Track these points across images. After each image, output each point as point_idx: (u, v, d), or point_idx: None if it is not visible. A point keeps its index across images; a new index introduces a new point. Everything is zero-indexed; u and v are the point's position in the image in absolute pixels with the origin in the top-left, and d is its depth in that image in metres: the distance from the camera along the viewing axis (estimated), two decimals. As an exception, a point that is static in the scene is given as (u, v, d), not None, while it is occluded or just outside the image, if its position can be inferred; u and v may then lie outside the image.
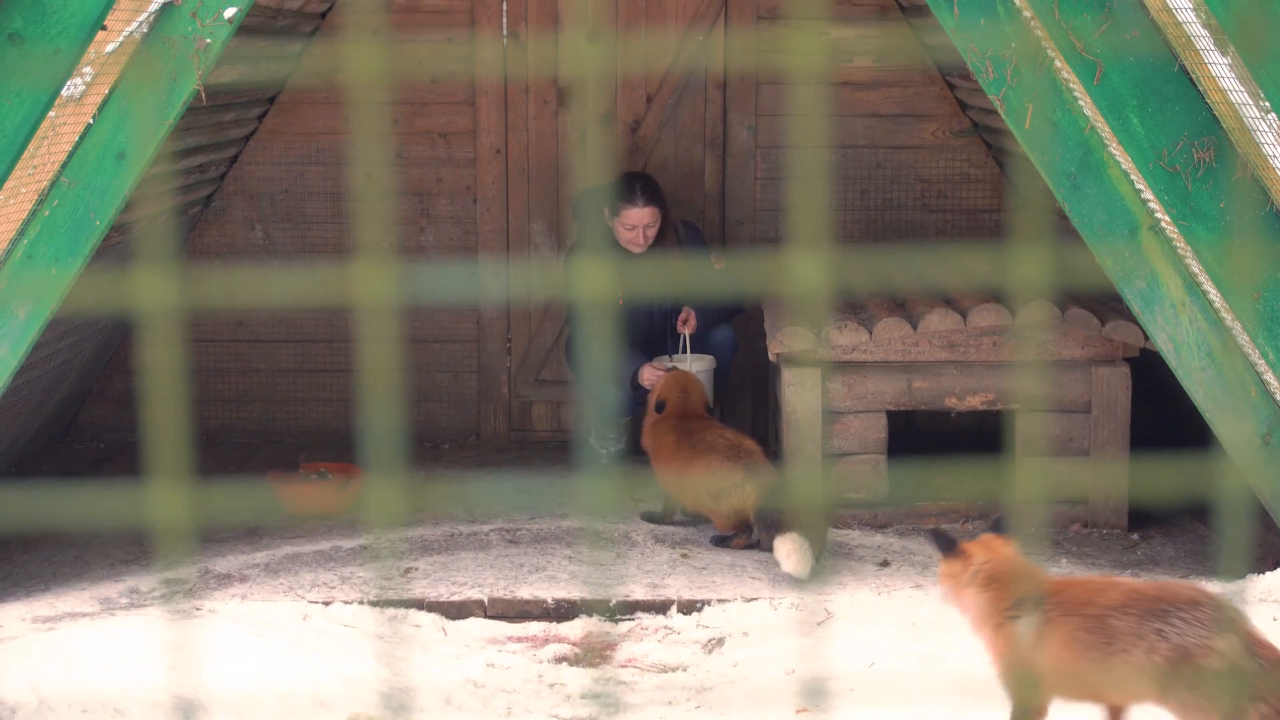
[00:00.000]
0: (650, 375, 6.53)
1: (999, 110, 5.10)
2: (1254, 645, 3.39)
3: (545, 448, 7.40)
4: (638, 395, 6.60)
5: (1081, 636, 3.52)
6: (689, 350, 6.71)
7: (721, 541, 5.77)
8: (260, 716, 4.30)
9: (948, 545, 3.77)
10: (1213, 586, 5.12)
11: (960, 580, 3.73)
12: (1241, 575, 5.05)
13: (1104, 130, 5.01)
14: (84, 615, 5.12)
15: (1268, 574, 5.08)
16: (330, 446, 6.99)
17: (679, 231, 6.83)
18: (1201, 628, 3.39)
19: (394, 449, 1.91)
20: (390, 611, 5.19)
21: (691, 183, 7.42)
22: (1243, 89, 4.74)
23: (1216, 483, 5.07)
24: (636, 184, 6.74)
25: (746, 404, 7.51)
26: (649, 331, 6.87)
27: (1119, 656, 3.46)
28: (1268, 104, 4.55)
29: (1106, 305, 6.05)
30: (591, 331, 6.80)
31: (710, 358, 6.72)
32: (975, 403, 6.01)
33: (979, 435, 6.79)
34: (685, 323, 6.73)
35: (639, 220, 6.69)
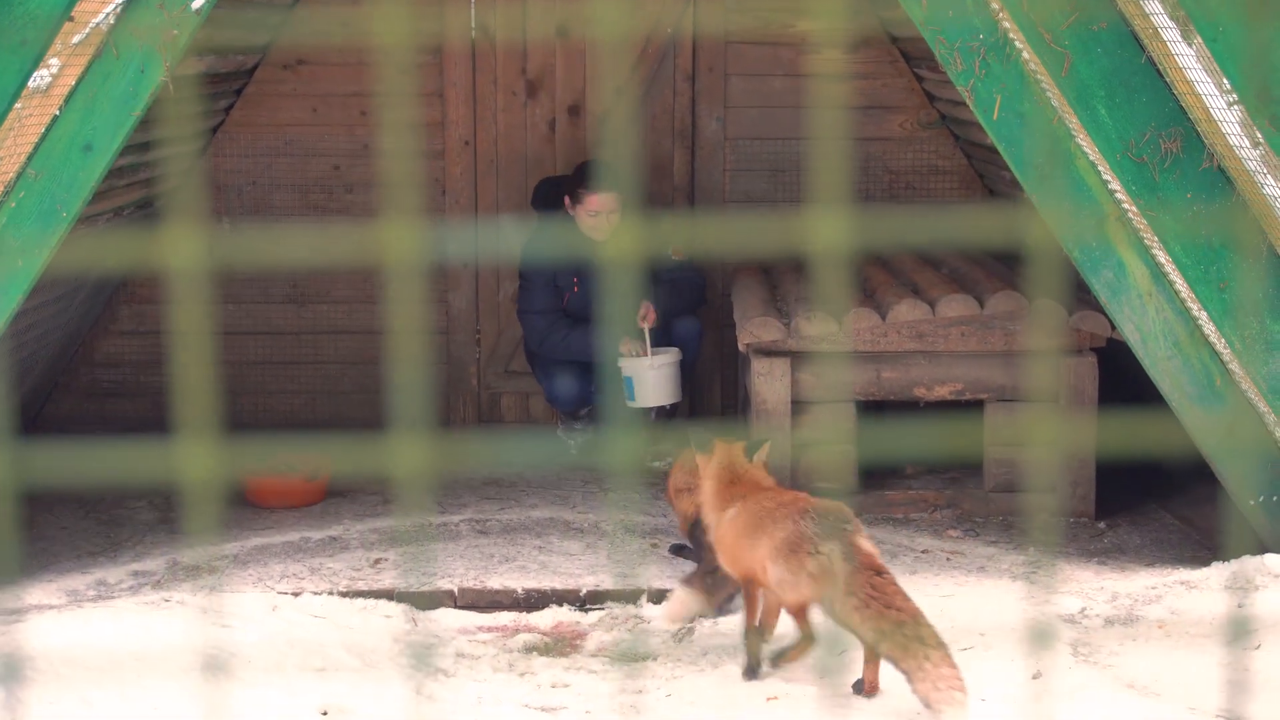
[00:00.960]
0: (625, 346, 6.58)
1: (967, 102, 5.12)
2: (854, 550, 4.18)
3: (515, 438, 7.39)
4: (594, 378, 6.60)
5: (744, 524, 4.44)
6: (650, 345, 6.67)
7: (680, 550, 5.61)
8: (231, 707, 4.29)
9: (704, 444, 4.69)
10: (1183, 574, 5.17)
11: (703, 473, 4.68)
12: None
13: (1071, 121, 5.04)
14: (51, 608, 5.10)
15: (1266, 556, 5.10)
16: (299, 439, 6.97)
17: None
18: (817, 530, 4.24)
19: (421, 405, 1.91)
20: (360, 602, 5.18)
21: (660, 174, 7.42)
22: (1209, 79, 4.77)
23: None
24: (600, 170, 6.77)
25: (715, 394, 7.52)
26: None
27: (758, 541, 4.37)
28: (1233, 94, 4.59)
29: (1074, 295, 6.07)
30: (546, 320, 6.81)
31: (675, 350, 6.70)
32: (944, 393, 6.03)
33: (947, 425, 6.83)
34: (645, 318, 6.69)
35: (602, 206, 6.69)
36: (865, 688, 4.29)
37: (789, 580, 4.26)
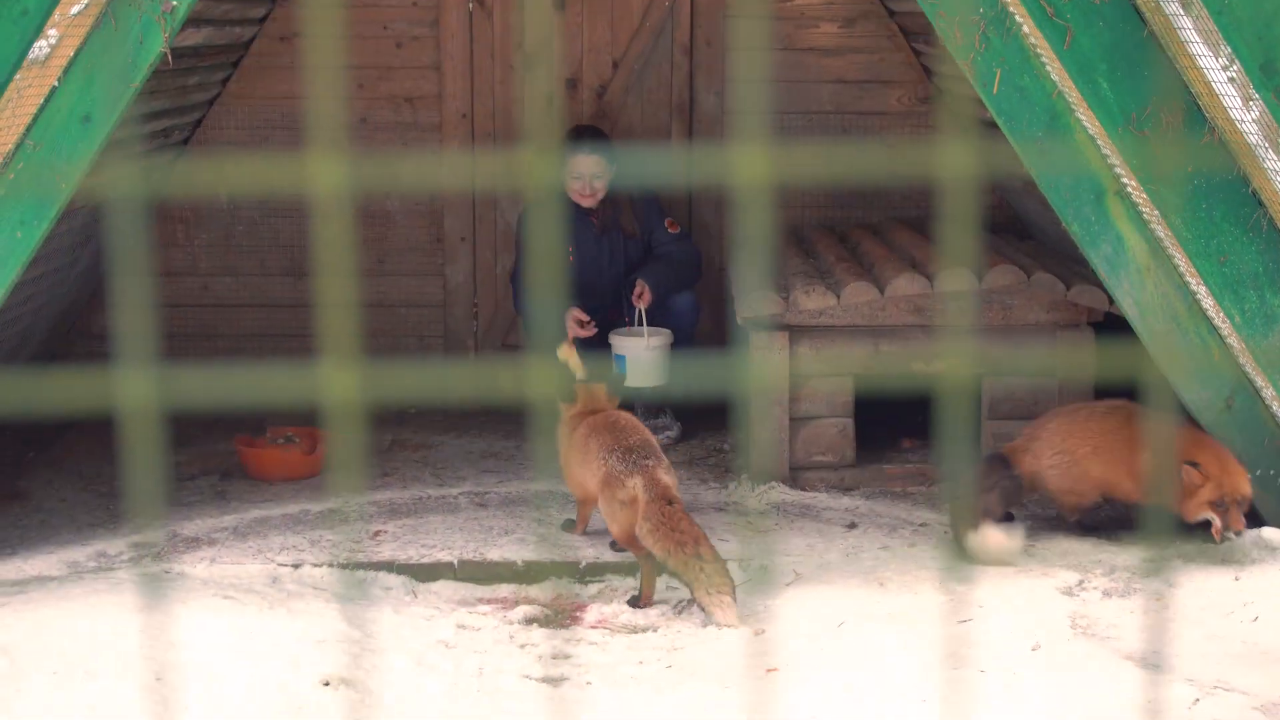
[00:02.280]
0: (572, 323, 6.52)
1: (967, 76, 5.11)
2: (651, 484, 4.90)
3: (513, 412, 7.38)
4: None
5: (579, 443, 5.21)
6: (645, 324, 6.58)
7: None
8: (232, 678, 4.30)
9: (568, 396, 5.38)
10: (1180, 548, 5.18)
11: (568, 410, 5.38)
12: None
13: (1072, 95, 5.03)
14: (52, 579, 5.10)
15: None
16: (295, 410, 6.95)
17: (633, 195, 6.81)
18: (627, 465, 4.98)
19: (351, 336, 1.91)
20: (360, 574, 5.18)
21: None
22: (1209, 52, 4.77)
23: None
24: (584, 133, 6.75)
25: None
26: (600, 289, 6.85)
27: (589, 461, 5.13)
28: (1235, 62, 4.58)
29: (1071, 269, 6.08)
30: (539, 288, 6.79)
31: (667, 332, 6.59)
32: (942, 367, 6.03)
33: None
34: (640, 296, 6.62)
35: (585, 169, 6.67)
36: (641, 601, 4.99)
37: (608, 512, 5.02)
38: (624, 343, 6.52)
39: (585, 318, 6.56)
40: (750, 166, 2.01)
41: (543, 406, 5.54)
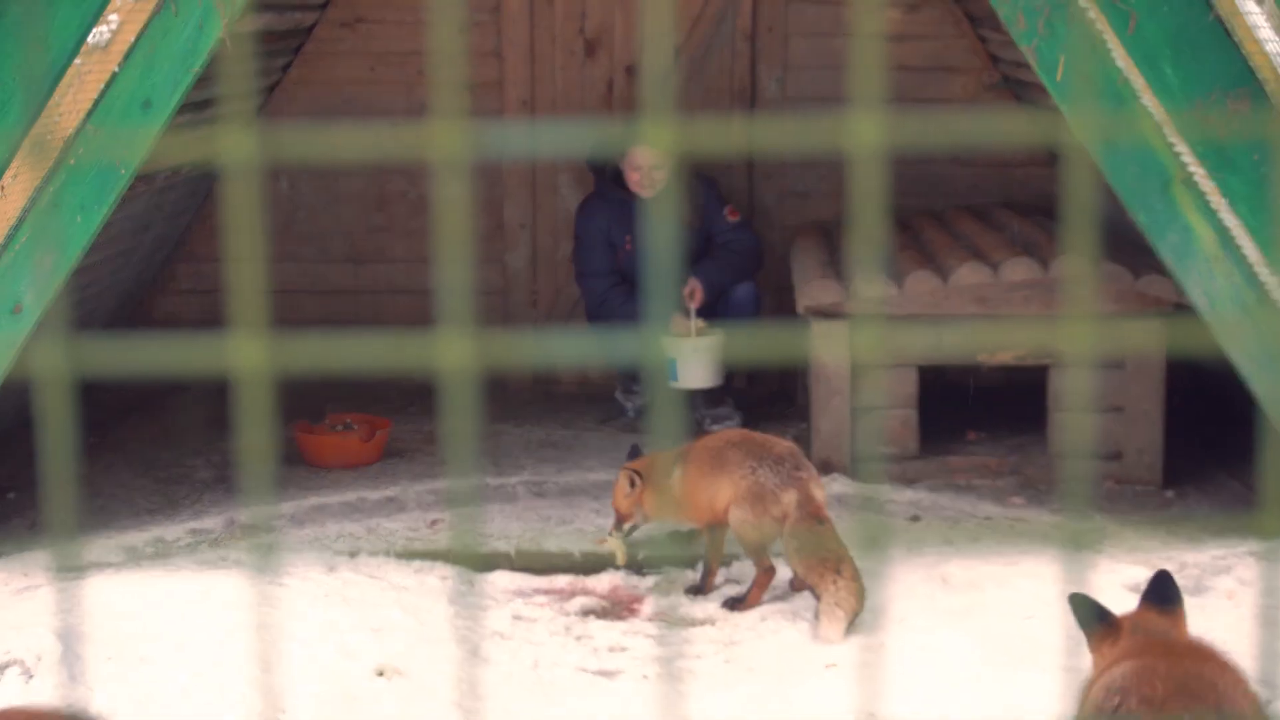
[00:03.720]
0: (677, 324, 6.45)
1: (1030, 63, 5.00)
2: (806, 500, 4.68)
3: (572, 400, 7.33)
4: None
5: (703, 459, 4.90)
6: (693, 323, 6.42)
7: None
8: (286, 667, 4.26)
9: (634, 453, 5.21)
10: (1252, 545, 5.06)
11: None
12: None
13: (1137, 82, 4.91)
14: (109, 565, 5.09)
15: None
16: (356, 397, 6.93)
17: (691, 183, 6.73)
18: (780, 477, 4.73)
19: (466, 302, 1.85)
20: (417, 563, 5.14)
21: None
22: (1277, 39, 4.65)
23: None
24: (643, 125, 6.67)
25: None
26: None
27: (724, 474, 4.81)
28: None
29: (1140, 259, 5.95)
30: (602, 284, 6.74)
31: (720, 332, 6.42)
32: (1006, 358, 5.93)
33: (1009, 391, 6.72)
34: (691, 296, 6.50)
35: (644, 160, 6.60)
36: (705, 588, 4.95)
37: (749, 522, 4.77)
38: (673, 344, 6.41)
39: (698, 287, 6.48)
40: (866, 132, 1.92)
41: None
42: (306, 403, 6.59)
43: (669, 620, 4.82)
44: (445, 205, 1.93)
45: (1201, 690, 3.13)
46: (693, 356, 6.38)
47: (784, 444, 4.89)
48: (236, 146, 1.85)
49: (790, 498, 4.69)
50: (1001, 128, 7.25)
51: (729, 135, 7.22)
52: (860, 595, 4.57)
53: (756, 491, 4.73)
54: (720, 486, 4.80)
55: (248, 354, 1.77)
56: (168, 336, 7.20)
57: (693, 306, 6.50)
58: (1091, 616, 3.34)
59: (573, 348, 6.46)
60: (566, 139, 7.13)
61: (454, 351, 1.92)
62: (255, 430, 1.84)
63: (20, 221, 4.98)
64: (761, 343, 6.14)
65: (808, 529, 4.64)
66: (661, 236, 6.53)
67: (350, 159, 7.35)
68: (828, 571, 4.57)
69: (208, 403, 6.28)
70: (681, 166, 6.61)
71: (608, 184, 6.78)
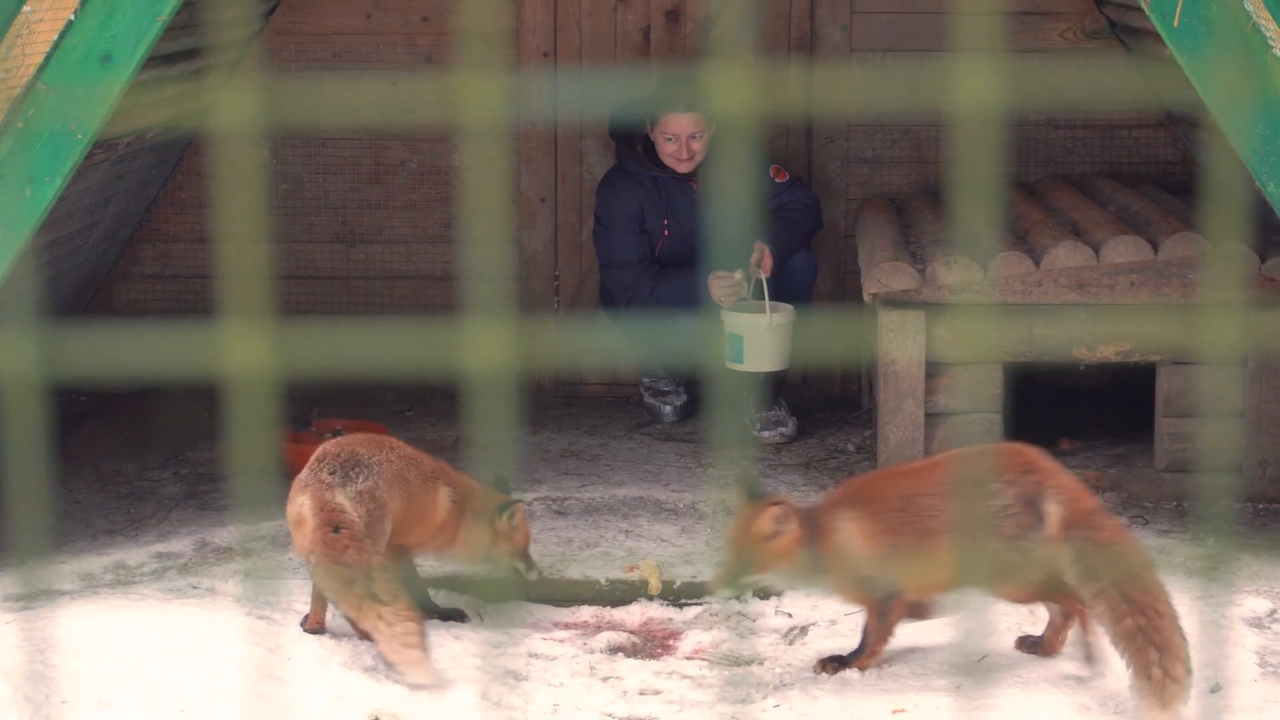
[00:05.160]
0: (719, 287, 6.48)
1: (1142, 5, 5.05)
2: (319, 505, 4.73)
3: (598, 404, 7.42)
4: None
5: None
6: (768, 297, 6.51)
7: None
8: (269, 713, 4.35)
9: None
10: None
11: None
12: None
13: (1269, 28, 4.95)
14: (63, 594, 5.19)
15: None
16: (346, 400, 7.03)
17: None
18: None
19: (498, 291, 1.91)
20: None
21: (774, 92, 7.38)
22: None
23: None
24: (679, 86, 6.72)
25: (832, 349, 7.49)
26: (700, 267, 6.85)
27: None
28: None
29: (1267, 238, 6.00)
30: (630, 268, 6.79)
31: (789, 307, 6.55)
32: (1108, 353, 5.98)
33: (1112, 392, 6.77)
34: (760, 264, 6.58)
35: (680, 129, 6.68)
36: (309, 624, 4.84)
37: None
38: (740, 320, 6.46)
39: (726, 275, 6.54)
40: (976, 87, 1.97)
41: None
42: (289, 406, 6.68)
43: (709, 658, 4.90)
44: (474, 176, 2.00)
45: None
46: (765, 334, 6.42)
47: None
48: (232, 106, 1.94)
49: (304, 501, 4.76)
50: (1107, 82, 7.29)
51: (785, 90, 7.29)
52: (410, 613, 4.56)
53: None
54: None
55: (244, 350, 1.84)
56: (135, 328, 7.31)
57: (764, 277, 6.53)
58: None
59: (611, 341, 6.54)
60: (595, 97, 7.21)
61: (485, 346, 1.97)
62: (250, 438, 1.92)
63: (-41, 196, 5.07)
64: (820, 331, 6.19)
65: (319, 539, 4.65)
66: (720, 212, 6.61)
67: (366, 121, 7.43)
68: (361, 600, 4.55)
69: (176, 406, 6.39)
70: (729, 133, 6.67)
71: (636, 158, 6.83)
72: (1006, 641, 4.69)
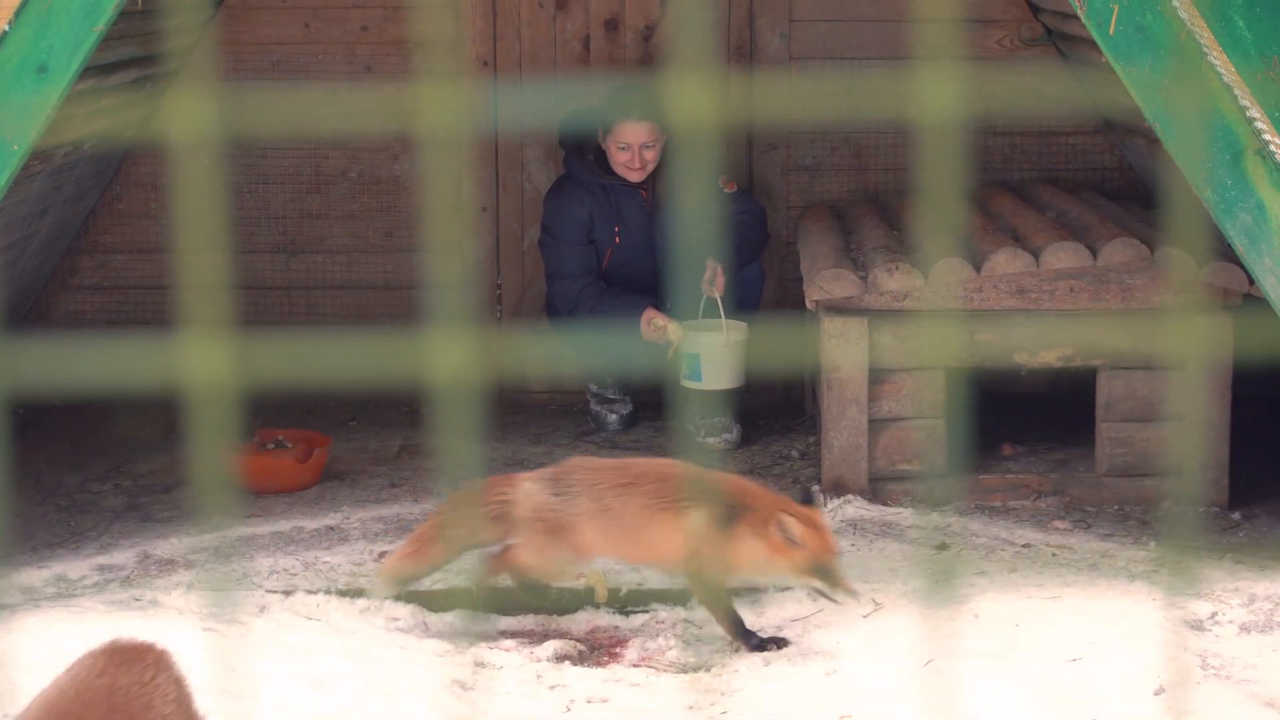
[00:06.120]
0: (649, 331, 6.52)
1: (1078, 13, 5.09)
2: None
3: (543, 412, 7.41)
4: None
5: None
6: (723, 314, 6.53)
7: None
8: (212, 724, 4.33)
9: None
10: None
11: None
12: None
13: (1203, 36, 5.00)
14: (4, 607, 5.15)
15: None
16: (289, 411, 7.00)
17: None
18: None
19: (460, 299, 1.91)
20: (362, 602, 5.21)
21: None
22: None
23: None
24: (634, 95, 6.74)
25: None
26: (648, 277, 6.87)
27: None
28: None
29: (1206, 245, 6.04)
30: (574, 278, 6.80)
31: (744, 325, 6.58)
32: (1049, 358, 6.01)
33: (1053, 397, 6.81)
34: (712, 282, 6.61)
35: (634, 138, 6.69)
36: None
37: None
38: (698, 339, 6.48)
39: (659, 317, 6.57)
40: (938, 96, 1.98)
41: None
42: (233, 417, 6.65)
43: (656, 666, 4.90)
44: (434, 185, 2.01)
45: None
46: (722, 351, 6.45)
47: None
48: (190, 115, 1.93)
49: None
50: (1044, 89, 7.34)
51: (725, 98, 7.30)
52: None
53: None
54: None
55: (203, 361, 1.83)
56: (75, 339, 7.27)
57: (717, 295, 6.56)
58: None
59: (555, 349, 6.53)
60: (536, 106, 7.22)
61: (449, 356, 1.97)
62: (209, 450, 1.90)
63: (-104, 207, 5.04)
64: (764, 339, 6.22)
65: None
66: (678, 222, 6.61)
67: (305, 131, 7.40)
68: None
69: (116, 418, 6.36)
70: (678, 141, 6.69)
71: (587, 166, 6.84)
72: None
